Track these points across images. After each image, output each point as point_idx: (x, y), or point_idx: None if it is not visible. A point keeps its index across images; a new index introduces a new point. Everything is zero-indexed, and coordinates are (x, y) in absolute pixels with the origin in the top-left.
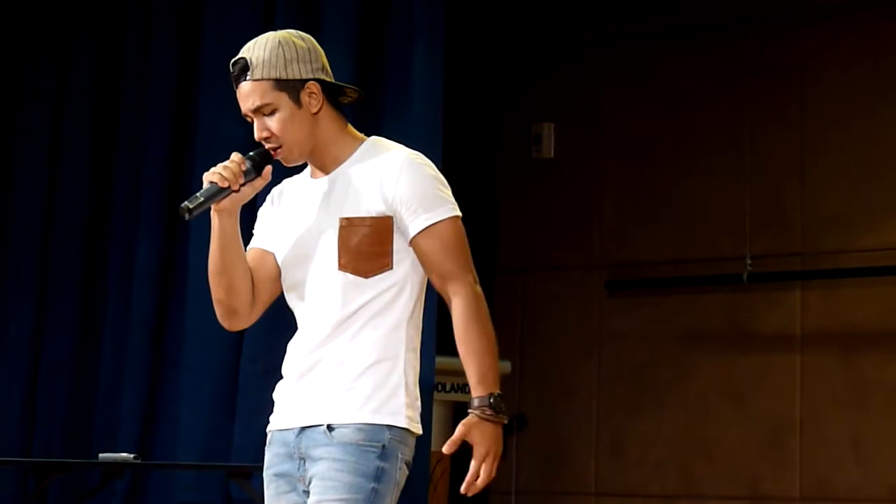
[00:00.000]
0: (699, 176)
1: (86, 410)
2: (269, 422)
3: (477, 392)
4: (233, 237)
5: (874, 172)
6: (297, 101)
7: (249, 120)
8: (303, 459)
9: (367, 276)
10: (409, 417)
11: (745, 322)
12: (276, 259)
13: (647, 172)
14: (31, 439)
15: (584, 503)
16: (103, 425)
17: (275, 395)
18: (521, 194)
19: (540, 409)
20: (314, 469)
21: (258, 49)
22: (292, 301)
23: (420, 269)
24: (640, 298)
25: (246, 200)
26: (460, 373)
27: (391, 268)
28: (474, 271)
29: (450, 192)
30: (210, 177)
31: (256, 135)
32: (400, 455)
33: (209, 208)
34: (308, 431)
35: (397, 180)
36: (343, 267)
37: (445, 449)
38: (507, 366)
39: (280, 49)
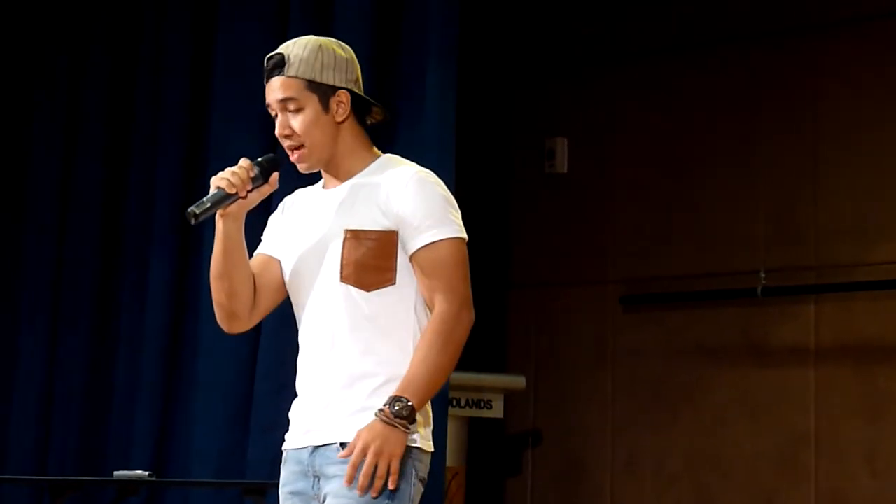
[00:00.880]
0: (713, 190)
1: (100, 428)
2: (284, 440)
3: (394, 392)
4: (236, 242)
5: (887, 185)
6: (325, 105)
7: (273, 113)
8: (317, 477)
9: (368, 290)
10: (421, 436)
11: (760, 336)
12: (281, 267)
13: (661, 186)
14: (46, 457)
15: None
16: (118, 443)
17: (290, 414)
18: (535, 209)
19: (554, 424)
20: (328, 487)
21: (297, 48)
22: (297, 310)
23: None
24: (655, 313)
25: (252, 206)
26: (475, 388)
27: (394, 283)
28: (467, 297)
29: (458, 215)
30: (218, 182)
31: (277, 131)
32: (414, 472)
33: (215, 213)
34: (321, 450)
35: (405, 196)
36: (345, 279)
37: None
38: (521, 381)
39: (319, 52)
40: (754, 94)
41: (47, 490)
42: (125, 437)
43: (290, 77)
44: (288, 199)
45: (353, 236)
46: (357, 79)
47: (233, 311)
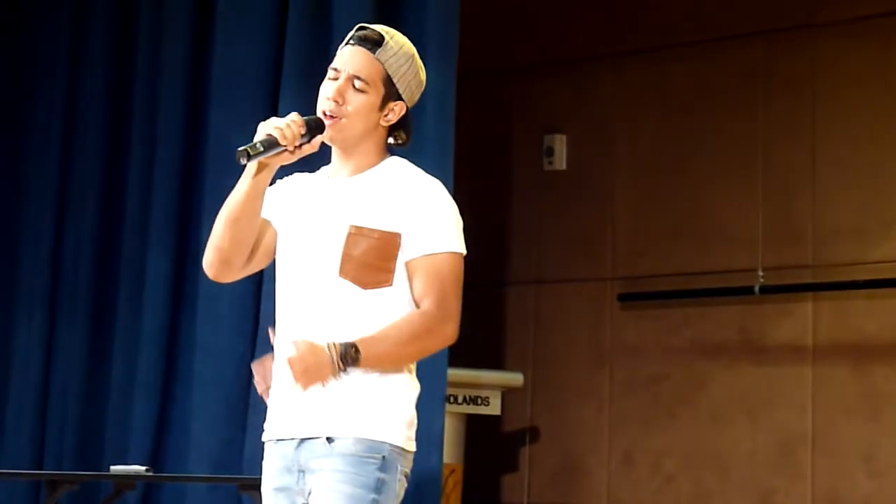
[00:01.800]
0: (711, 188)
1: (97, 423)
2: (263, 430)
3: (355, 341)
4: (260, 193)
5: (886, 184)
6: (383, 103)
7: (333, 75)
8: (302, 472)
9: (365, 288)
10: (406, 437)
11: (757, 334)
12: (274, 231)
13: (660, 184)
14: (43, 452)
15: None
16: (115, 438)
17: (270, 401)
18: (534, 206)
19: (552, 421)
20: (314, 481)
21: (396, 42)
22: (282, 293)
23: None
24: (653, 311)
25: (287, 162)
26: (472, 385)
27: (391, 285)
28: (456, 312)
29: (461, 230)
30: (269, 129)
31: (329, 93)
32: (399, 467)
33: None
34: (307, 443)
35: (415, 202)
36: (344, 274)
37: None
38: (518, 378)
39: (411, 60)
40: (754, 92)
41: (44, 485)
42: (123, 432)
43: (377, 60)
44: (289, 179)
45: (358, 232)
46: (414, 103)
47: (230, 258)
